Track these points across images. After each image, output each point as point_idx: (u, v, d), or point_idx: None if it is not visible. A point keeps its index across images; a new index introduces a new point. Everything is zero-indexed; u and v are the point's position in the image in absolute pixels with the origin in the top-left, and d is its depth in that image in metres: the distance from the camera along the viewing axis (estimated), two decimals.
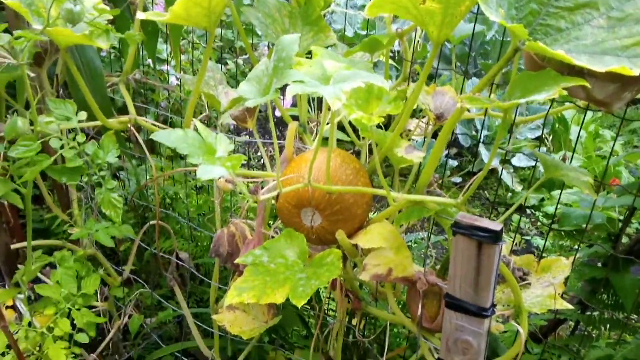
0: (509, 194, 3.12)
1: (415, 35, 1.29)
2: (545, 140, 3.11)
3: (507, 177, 3.04)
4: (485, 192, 3.21)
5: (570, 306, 1.14)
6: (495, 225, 0.87)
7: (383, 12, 0.93)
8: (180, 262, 1.80)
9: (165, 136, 0.73)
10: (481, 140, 3.11)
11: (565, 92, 0.71)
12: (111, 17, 1.09)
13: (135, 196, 2.12)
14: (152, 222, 1.84)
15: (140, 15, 1.01)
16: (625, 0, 0.77)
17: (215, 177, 0.72)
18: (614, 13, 0.77)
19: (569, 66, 0.85)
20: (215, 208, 1.31)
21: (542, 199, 2.97)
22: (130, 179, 2.14)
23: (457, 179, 2.97)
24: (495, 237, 0.86)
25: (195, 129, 0.77)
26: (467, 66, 2.55)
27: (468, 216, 0.90)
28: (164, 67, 2.48)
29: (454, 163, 3.12)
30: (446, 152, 3.16)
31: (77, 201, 1.63)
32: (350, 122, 1.26)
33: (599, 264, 1.62)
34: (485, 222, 0.88)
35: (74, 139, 1.08)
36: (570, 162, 1.27)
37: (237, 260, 0.99)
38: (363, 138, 1.21)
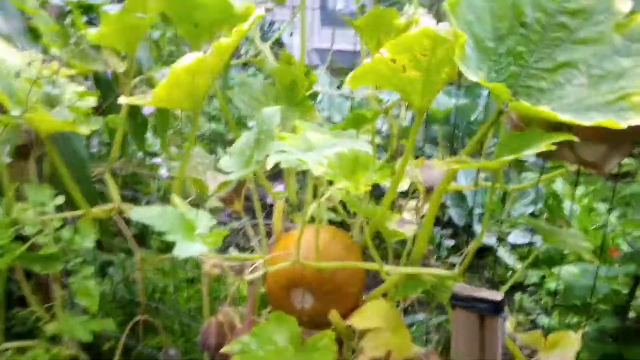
0: (509, 272, 3.04)
1: (400, 111, 1.30)
2: (536, 216, 3.09)
3: (504, 254, 2.98)
4: (485, 271, 3.13)
5: None
6: (496, 295, 0.82)
7: (365, 83, 0.93)
8: None
9: (143, 213, 0.70)
10: (474, 217, 3.08)
11: (553, 147, 0.69)
12: (95, 105, 1.09)
13: (122, 291, 2.04)
14: (138, 318, 1.76)
15: (122, 100, 1.01)
16: (605, 57, 0.77)
17: (194, 254, 0.68)
18: (595, 71, 0.77)
19: (554, 127, 0.84)
20: (203, 296, 1.24)
21: (543, 277, 2.89)
22: (118, 274, 2.07)
23: (455, 259, 2.91)
24: (496, 307, 0.81)
25: (175, 206, 0.74)
26: (454, 146, 2.57)
27: (467, 287, 0.85)
28: (156, 160, 2.49)
29: (450, 243, 3.07)
30: (441, 231, 3.11)
31: (60, 296, 1.56)
32: (341, 201, 1.24)
33: (609, 339, 1.54)
34: (484, 293, 0.83)
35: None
36: None
37: (223, 349, 0.92)
38: (353, 214, 1.17)
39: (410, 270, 0.91)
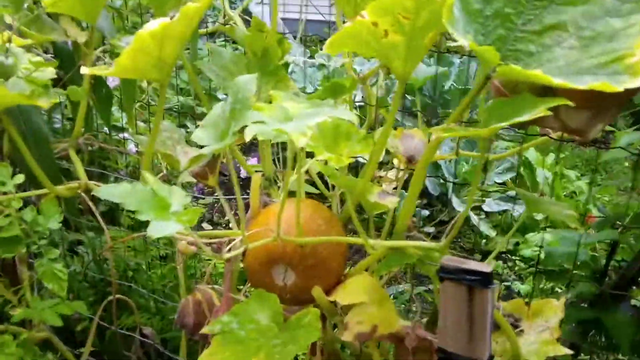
0: (483, 241, 3.07)
1: (378, 81, 1.25)
2: (513, 184, 3.11)
3: (479, 223, 3.01)
4: (460, 240, 3.16)
5: (570, 351, 1.06)
6: (485, 267, 0.80)
7: (343, 49, 0.88)
8: (144, 339, 1.66)
9: (111, 191, 0.65)
10: (449, 186, 3.08)
11: (550, 113, 0.66)
12: (54, 76, 1.01)
13: (94, 271, 1.98)
14: (111, 298, 1.71)
15: (84, 70, 0.94)
16: (595, 18, 0.74)
17: (169, 234, 0.63)
18: (585, 32, 0.74)
19: (539, 94, 0.81)
20: (179, 275, 1.20)
21: (517, 243, 2.93)
22: (89, 254, 2.00)
23: (430, 229, 2.92)
24: (486, 280, 0.79)
25: (145, 182, 0.69)
26: (429, 117, 2.54)
27: (454, 259, 0.82)
28: (123, 135, 2.40)
29: (425, 212, 3.08)
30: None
31: (29, 278, 1.50)
32: (318, 173, 1.20)
33: (586, 305, 1.55)
34: (473, 264, 0.81)
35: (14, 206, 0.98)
36: None
37: (203, 330, 0.88)
38: (333, 188, 1.14)
39: (395, 244, 0.88)
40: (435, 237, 3.05)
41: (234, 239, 1.08)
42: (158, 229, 0.63)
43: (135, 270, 1.92)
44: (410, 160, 1.19)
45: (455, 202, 2.92)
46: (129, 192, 0.65)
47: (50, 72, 1.00)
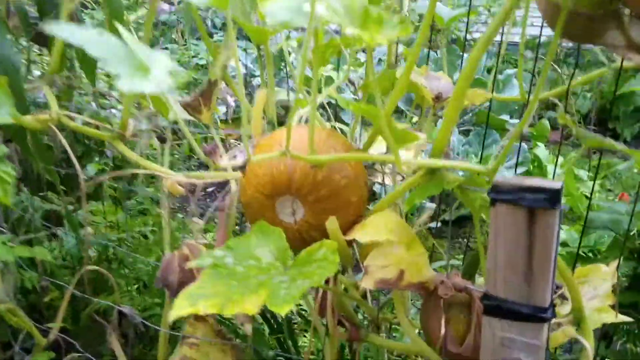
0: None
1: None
2: None
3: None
4: (466, 240, 2.98)
5: (628, 318, 0.89)
6: (552, 183, 0.63)
7: None
8: (130, 320, 1.47)
9: (74, 32, 0.47)
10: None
11: None
12: None
13: (72, 253, 1.79)
14: (89, 267, 1.52)
15: None
16: None
17: (145, 91, 0.46)
18: None
19: (601, 5, 0.67)
20: (164, 225, 1.02)
21: None
22: (67, 233, 1.81)
23: (432, 225, 2.74)
24: (553, 197, 0.62)
25: (119, 36, 0.51)
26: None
27: (510, 177, 0.65)
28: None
29: (431, 205, 2.90)
30: None
31: None
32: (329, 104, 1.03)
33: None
34: (536, 181, 0.64)
35: None
36: None
37: (190, 264, 0.70)
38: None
39: (434, 163, 0.71)
40: (441, 236, 2.87)
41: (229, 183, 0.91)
42: (133, 84, 0.45)
43: (118, 245, 1.73)
44: (438, 97, 1.03)
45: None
46: (98, 39, 0.48)
47: None
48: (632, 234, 1.39)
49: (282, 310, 0.59)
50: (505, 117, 3.56)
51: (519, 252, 0.65)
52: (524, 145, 3.21)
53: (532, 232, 0.63)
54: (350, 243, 0.81)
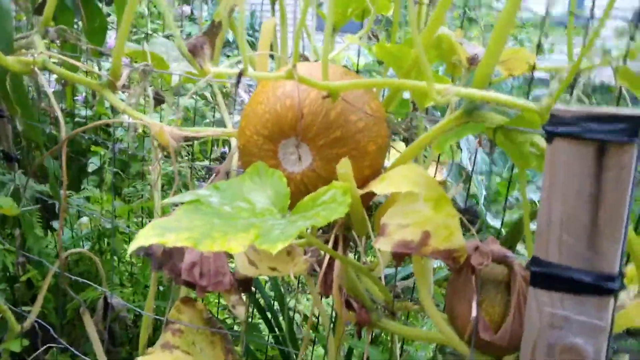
0: None
1: None
2: None
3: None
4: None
5: None
6: (632, 111, 0.49)
7: None
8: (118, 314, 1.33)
9: None
10: (482, 199, 2.75)
11: None
12: None
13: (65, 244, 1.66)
14: (75, 250, 1.39)
15: None
16: None
17: None
18: None
19: None
20: (153, 185, 0.89)
21: None
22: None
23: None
24: (632, 128, 0.48)
25: None
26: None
27: (572, 108, 0.51)
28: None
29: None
30: None
31: None
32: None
33: None
34: (606, 109, 0.50)
35: None
36: None
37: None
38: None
39: (476, 93, 0.57)
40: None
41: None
42: None
43: (111, 235, 1.60)
44: (474, 59, 0.90)
45: (488, 216, 2.59)
46: None
47: None
48: None
49: (274, 248, 0.45)
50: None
51: (582, 203, 0.50)
52: None
53: (600, 176, 0.49)
54: (365, 205, 0.67)
